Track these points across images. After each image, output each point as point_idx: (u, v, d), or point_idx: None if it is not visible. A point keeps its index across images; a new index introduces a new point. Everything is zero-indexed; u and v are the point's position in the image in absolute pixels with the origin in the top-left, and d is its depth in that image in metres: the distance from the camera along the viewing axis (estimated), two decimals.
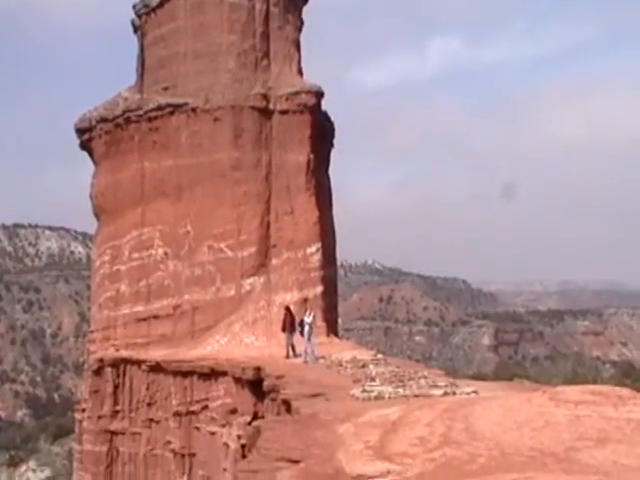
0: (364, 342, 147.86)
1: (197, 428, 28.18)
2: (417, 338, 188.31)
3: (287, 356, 24.28)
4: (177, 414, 28.97)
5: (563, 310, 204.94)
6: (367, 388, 14.83)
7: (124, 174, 32.39)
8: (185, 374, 28.43)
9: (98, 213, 34.05)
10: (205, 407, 27.67)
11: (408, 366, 22.10)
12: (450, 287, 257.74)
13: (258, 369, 23.01)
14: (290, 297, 29.10)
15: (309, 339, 23.04)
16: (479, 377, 33.03)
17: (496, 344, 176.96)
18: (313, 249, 29.96)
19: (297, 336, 23.85)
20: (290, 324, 24.24)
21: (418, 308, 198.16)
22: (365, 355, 24.53)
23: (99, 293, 33.24)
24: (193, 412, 28.38)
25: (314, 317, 23.91)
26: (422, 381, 16.34)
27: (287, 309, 25.28)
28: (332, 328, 30.82)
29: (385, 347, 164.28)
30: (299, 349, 24.00)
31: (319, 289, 29.80)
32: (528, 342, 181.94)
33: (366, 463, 8.55)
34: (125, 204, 32.16)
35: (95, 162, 34.16)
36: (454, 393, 14.02)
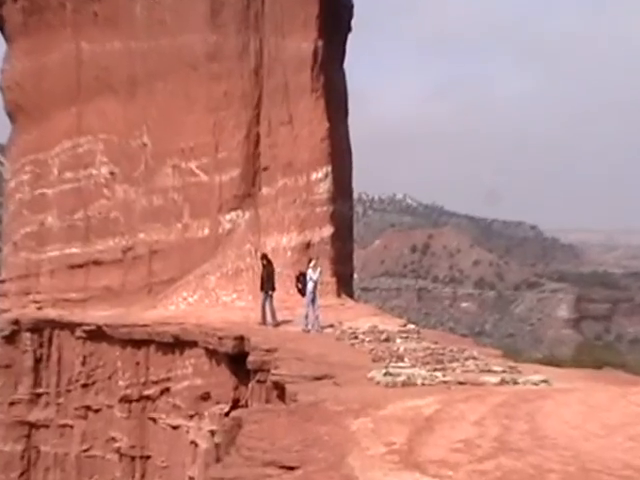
0: (389, 307, 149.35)
1: (153, 420, 28.42)
2: (464, 305, 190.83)
3: (263, 322, 24.98)
4: (125, 400, 29.18)
5: None
6: (392, 370, 15.13)
7: (51, 58, 32.09)
8: (138, 344, 28.61)
9: (13, 112, 33.92)
10: (165, 390, 27.90)
11: (450, 342, 22.45)
12: (512, 235, 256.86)
13: (241, 339, 23.23)
14: (287, 241, 29.34)
15: (312, 301, 23.49)
16: (552, 362, 33.16)
17: (577, 317, 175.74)
18: (320, 175, 30.12)
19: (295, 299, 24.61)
20: (268, 279, 24.90)
21: (466, 262, 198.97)
22: (390, 324, 24.97)
23: (14, 227, 33.29)
24: (148, 397, 28.52)
25: (320, 271, 24.32)
26: (469, 363, 16.63)
27: (264, 258, 25.72)
28: (345, 286, 31.32)
29: (418, 315, 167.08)
30: (293, 314, 24.92)
31: (327, 231, 30.11)
32: (625, 316, 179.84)
33: (388, 473, 8.54)
34: (53, 101, 32.04)
35: (7, 38, 33.96)
36: (515, 382, 14.27)
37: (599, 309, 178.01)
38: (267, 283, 24.93)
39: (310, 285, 23.77)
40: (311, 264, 24.44)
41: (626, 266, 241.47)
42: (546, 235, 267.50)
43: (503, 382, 14.11)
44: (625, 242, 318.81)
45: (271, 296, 25.12)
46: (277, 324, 25.03)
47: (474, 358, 17.53)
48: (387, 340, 21.06)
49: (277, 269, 26.31)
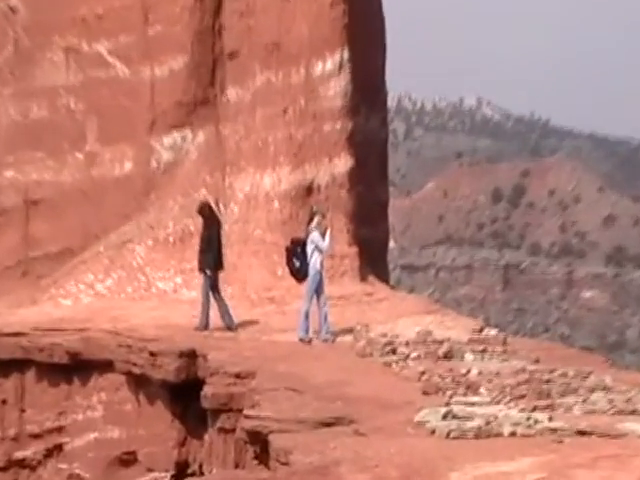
0: (453, 298, 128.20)
1: None
2: (587, 294, 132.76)
3: (202, 326, 21.05)
4: None
5: None
6: (457, 409, 13.30)
7: None
8: (3, 368, 23.96)
9: None
10: (55, 450, 23.06)
11: (562, 360, 19.00)
12: None
13: (190, 356, 19.59)
14: (271, 182, 24.77)
15: (316, 290, 20.44)
16: None
17: None
18: (329, 65, 25.18)
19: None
20: (209, 248, 20.77)
21: (591, 220, 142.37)
22: (454, 329, 22.12)
23: None
24: (23, 463, 23.43)
25: (331, 235, 20.90)
26: (598, 398, 14.54)
27: (204, 210, 21.31)
28: (374, 262, 27.27)
29: (505, 312, 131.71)
30: (283, 312, 22.28)
31: (343, 165, 25.50)
32: None
33: None
34: None
35: None
36: None
37: None
38: (207, 255, 20.55)
39: (314, 261, 20.34)
40: (314, 223, 20.54)
41: None
42: None
43: None
44: None
45: (215, 279, 20.70)
46: (232, 328, 20.76)
47: (606, 389, 15.42)
48: (449, 357, 18.78)
49: (255, 231, 23.32)
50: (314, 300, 20.63)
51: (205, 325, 21.03)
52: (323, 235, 20.74)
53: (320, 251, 20.56)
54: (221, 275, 21.48)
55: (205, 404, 18.46)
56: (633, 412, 13.77)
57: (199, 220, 22.19)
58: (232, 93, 26.00)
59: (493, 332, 22.31)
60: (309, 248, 20.52)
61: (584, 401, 14.41)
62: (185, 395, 19.98)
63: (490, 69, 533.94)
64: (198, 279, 22.02)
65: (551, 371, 16.67)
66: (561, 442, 11.72)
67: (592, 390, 15.22)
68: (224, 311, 21.18)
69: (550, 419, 12.77)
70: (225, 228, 22.65)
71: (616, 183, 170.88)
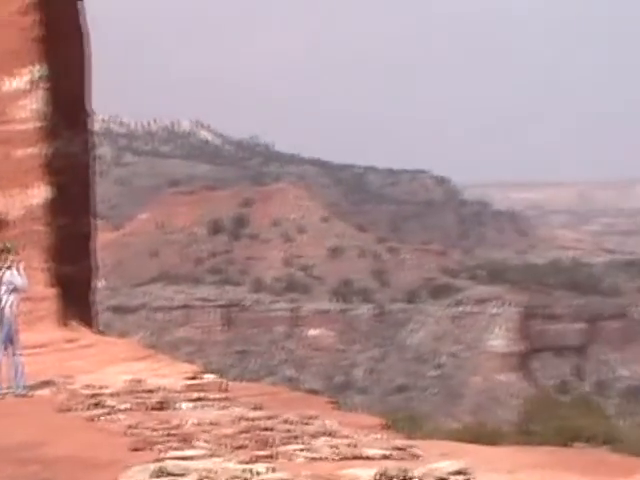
0: (168, 342, 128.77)
1: None
2: (313, 332, 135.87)
3: None
4: None
5: None
6: (171, 465, 12.91)
7: None
8: None
9: None
10: None
11: (286, 404, 20.12)
12: (405, 194, 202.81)
13: None
14: None
15: (9, 338, 19.89)
16: (479, 435, 31.71)
17: (526, 349, 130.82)
18: (19, 82, 24.66)
19: None
20: None
21: (316, 251, 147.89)
22: (169, 376, 22.18)
23: None
24: None
25: (23, 273, 20.33)
26: (322, 444, 15.03)
27: None
28: (77, 304, 26.81)
29: (225, 355, 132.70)
30: None
31: (38, 195, 25.02)
32: (609, 343, 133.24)
33: None
34: None
35: None
36: (407, 477, 12.62)
37: (567, 333, 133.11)
38: None
39: (10, 304, 19.90)
40: (7, 262, 20.22)
41: (609, 250, 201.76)
42: (464, 195, 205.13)
43: (385, 478, 12.44)
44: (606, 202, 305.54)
45: None
46: None
47: (330, 434, 16.02)
48: (162, 407, 18.60)
49: None
50: (4, 348, 19.83)
51: None
52: (12, 273, 20.06)
53: (17, 291, 19.94)
54: None
55: None
56: (357, 457, 14.10)
57: None
58: None
59: (211, 377, 22.42)
60: (2, 290, 19.81)
61: (307, 448, 14.63)
62: None
63: (206, 91, 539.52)
64: None
65: (273, 417, 16.91)
66: None
67: (315, 436, 15.47)
68: None
69: (271, 470, 12.74)
70: None
71: (342, 211, 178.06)
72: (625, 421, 67.83)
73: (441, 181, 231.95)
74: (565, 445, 30.04)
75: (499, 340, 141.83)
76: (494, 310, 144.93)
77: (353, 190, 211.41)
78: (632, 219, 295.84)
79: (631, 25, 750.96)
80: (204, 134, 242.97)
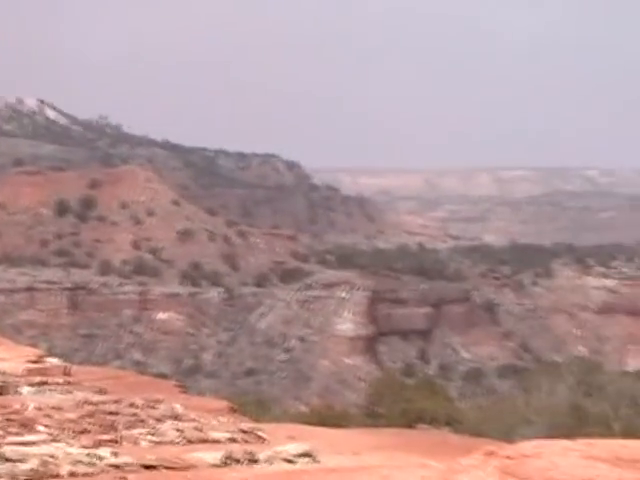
0: (14, 324, 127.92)
1: None
2: (162, 316, 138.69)
3: None
4: None
5: None
6: (9, 451, 12.63)
7: None
8: None
9: None
10: None
11: (131, 388, 19.24)
12: (256, 177, 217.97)
13: None
14: None
15: None
16: (325, 418, 31.74)
17: (373, 333, 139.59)
18: None
19: None
20: None
21: (165, 234, 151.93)
22: (8, 360, 21.35)
23: None
24: None
25: None
26: (168, 428, 14.80)
27: None
28: None
29: (72, 337, 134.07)
30: None
31: None
32: (454, 329, 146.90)
33: None
34: None
35: None
36: (253, 459, 12.72)
37: (413, 317, 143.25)
38: None
39: None
40: None
41: (454, 236, 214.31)
42: (315, 180, 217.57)
43: (231, 461, 12.54)
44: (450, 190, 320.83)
45: None
46: None
47: (177, 418, 15.64)
48: (2, 392, 18.14)
49: None
50: None
51: None
52: None
53: None
54: None
55: None
56: (202, 441, 13.99)
57: None
58: None
59: (55, 361, 21.86)
60: None
61: (153, 432, 14.40)
62: None
63: (52, 70, 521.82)
64: None
65: (117, 401, 16.61)
66: (125, 478, 11.68)
67: (161, 420, 15.20)
68: None
69: (115, 454, 12.62)
70: None
71: (192, 194, 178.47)
72: (466, 403, 69.56)
73: (291, 166, 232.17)
74: (409, 427, 30.42)
75: (347, 324, 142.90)
76: (343, 294, 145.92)
77: (203, 173, 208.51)
78: (475, 206, 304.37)
79: None
80: (50, 113, 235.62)
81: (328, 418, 33.30)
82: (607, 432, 27.62)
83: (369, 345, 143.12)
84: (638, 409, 35.75)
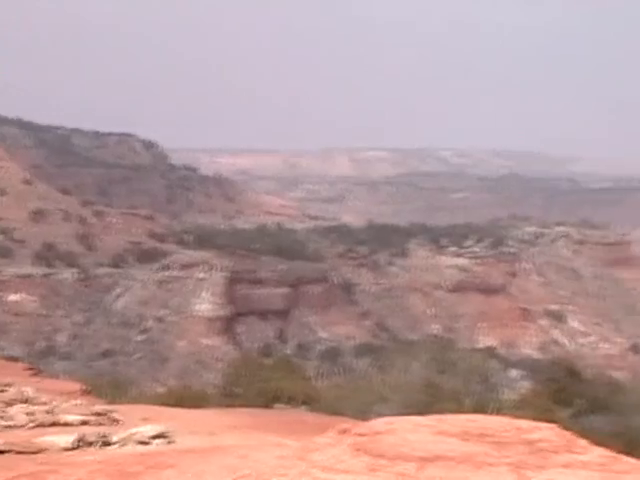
0: None
1: None
2: (14, 297, 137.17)
3: None
4: None
5: None
6: None
7: None
8: None
9: None
10: None
11: None
12: (114, 157, 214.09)
13: None
14: None
15: None
16: (183, 398, 30.56)
17: (231, 313, 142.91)
18: None
19: None
20: None
21: (19, 213, 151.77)
22: None
23: None
24: None
25: None
26: (17, 411, 14.34)
27: None
28: None
29: None
30: None
31: None
32: (313, 307, 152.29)
33: None
34: None
35: None
36: (106, 442, 12.36)
37: (272, 297, 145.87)
38: None
39: None
40: None
41: (312, 216, 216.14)
42: (172, 160, 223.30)
43: (83, 443, 12.20)
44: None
45: None
46: None
47: (27, 401, 15.19)
48: None
49: None
50: None
51: None
52: None
53: None
54: None
55: None
56: (54, 424, 13.61)
57: None
58: None
59: None
60: None
61: (1, 416, 13.97)
62: None
63: None
64: None
65: None
66: None
67: (11, 404, 14.75)
68: None
69: None
70: None
71: (45, 173, 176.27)
72: (323, 382, 70.02)
73: (149, 145, 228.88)
74: (266, 406, 30.41)
75: (205, 304, 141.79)
76: (201, 275, 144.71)
77: (58, 152, 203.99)
78: (333, 187, 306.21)
79: None
80: None
81: (185, 399, 32.90)
82: (459, 408, 28.11)
83: (227, 325, 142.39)
84: (488, 385, 36.78)
